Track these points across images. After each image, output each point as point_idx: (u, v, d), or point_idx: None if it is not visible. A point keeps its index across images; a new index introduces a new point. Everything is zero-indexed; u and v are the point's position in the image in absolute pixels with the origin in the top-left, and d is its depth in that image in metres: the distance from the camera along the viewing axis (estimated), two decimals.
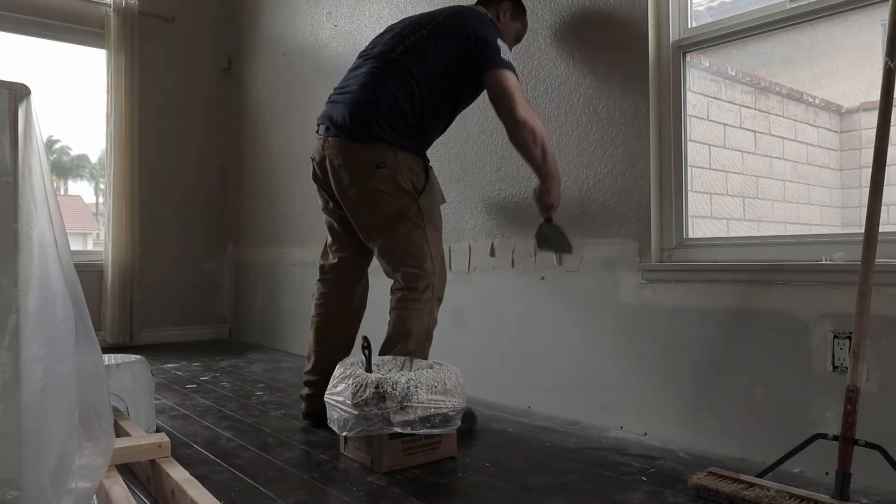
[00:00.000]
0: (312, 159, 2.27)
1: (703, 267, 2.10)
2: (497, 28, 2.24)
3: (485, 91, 2.20)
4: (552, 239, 2.32)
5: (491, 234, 2.79)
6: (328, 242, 2.42)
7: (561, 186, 2.25)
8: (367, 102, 2.11)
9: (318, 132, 2.24)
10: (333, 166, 2.16)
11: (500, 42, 2.14)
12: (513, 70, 2.13)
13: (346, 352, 2.38)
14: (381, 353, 2.19)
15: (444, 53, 2.15)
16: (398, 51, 2.17)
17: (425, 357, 2.23)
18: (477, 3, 2.39)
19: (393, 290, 2.25)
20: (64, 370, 1.20)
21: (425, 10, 3.13)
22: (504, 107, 2.11)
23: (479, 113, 2.85)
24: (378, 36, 2.33)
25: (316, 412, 2.28)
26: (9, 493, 1.08)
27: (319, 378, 2.28)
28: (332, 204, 2.31)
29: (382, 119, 2.09)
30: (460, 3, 2.46)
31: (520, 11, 2.42)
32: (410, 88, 2.12)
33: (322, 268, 2.42)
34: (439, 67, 2.15)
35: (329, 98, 2.27)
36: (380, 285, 3.42)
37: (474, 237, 2.87)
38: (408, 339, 2.18)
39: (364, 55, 2.27)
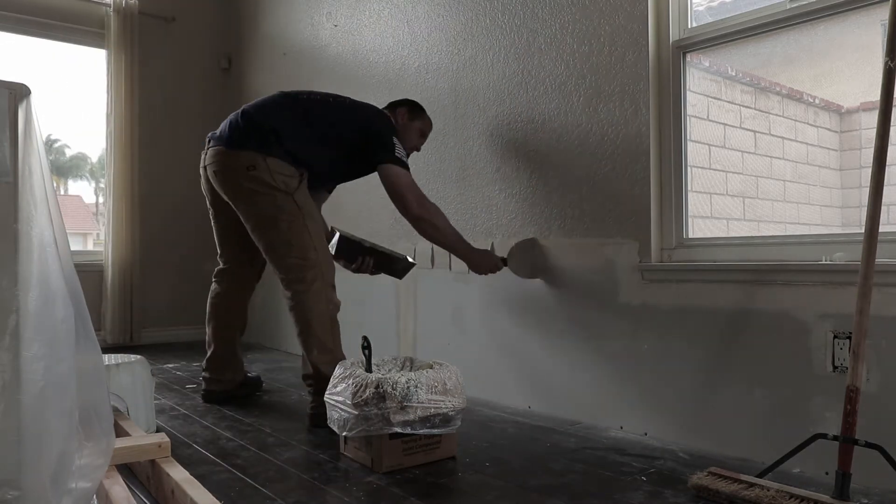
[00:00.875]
0: (201, 170, 2.54)
1: (703, 267, 2.10)
2: (396, 130, 2.50)
3: None
4: (522, 268, 2.60)
5: (491, 234, 2.79)
6: (218, 251, 2.74)
7: (477, 255, 2.53)
8: (246, 120, 2.38)
9: (204, 149, 2.53)
10: (212, 172, 2.42)
11: (395, 140, 2.41)
12: (405, 167, 2.40)
13: (237, 342, 2.78)
14: (304, 350, 2.37)
15: (346, 128, 2.43)
16: (303, 96, 2.49)
17: (336, 343, 2.37)
18: (384, 108, 2.67)
19: (284, 287, 2.37)
20: (64, 370, 1.20)
21: (425, 10, 3.14)
22: (399, 205, 2.40)
23: (478, 113, 2.85)
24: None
25: (215, 394, 2.72)
26: (9, 493, 1.08)
27: (212, 364, 2.73)
28: (212, 212, 2.63)
29: (257, 133, 2.34)
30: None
31: (416, 113, 2.70)
32: (300, 123, 2.39)
33: (215, 272, 2.76)
34: (339, 130, 2.42)
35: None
36: (379, 285, 3.42)
37: (474, 237, 2.87)
38: (310, 330, 2.32)
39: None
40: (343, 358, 2.33)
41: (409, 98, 2.81)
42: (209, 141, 2.47)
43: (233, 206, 2.43)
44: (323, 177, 2.54)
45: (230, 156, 2.36)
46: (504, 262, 2.57)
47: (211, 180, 2.45)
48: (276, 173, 2.31)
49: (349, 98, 2.57)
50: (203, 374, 2.77)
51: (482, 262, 2.53)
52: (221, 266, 2.74)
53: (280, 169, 2.32)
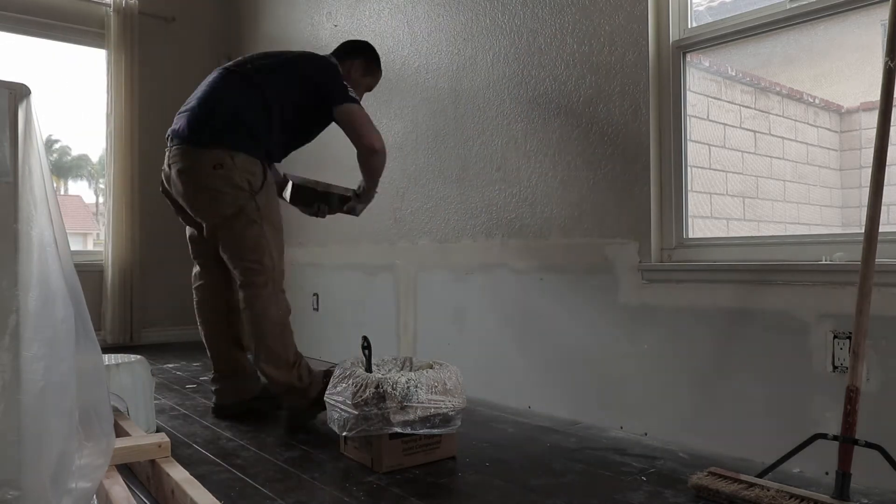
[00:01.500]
0: (162, 172, 2.41)
1: (703, 267, 2.10)
2: (343, 76, 2.42)
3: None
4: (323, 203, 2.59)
5: (490, 234, 2.79)
6: (190, 251, 2.59)
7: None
8: (203, 112, 2.26)
9: (166, 146, 2.37)
10: (176, 171, 2.28)
11: (344, 83, 2.35)
12: (358, 102, 2.36)
13: (238, 348, 2.59)
14: (253, 355, 2.33)
15: (295, 83, 2.35)
16: (245, 67, 2.37)
17: (287, 348, 2.31)
18: (332, 54, 2.54)
19: (238, 287, 2.35)
20: (64, 370, 1.20)
21: (425, 10, 3.14)
22: (357, 139, 2.34)
23: (477, 113, 2.85)
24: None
25: (223, 406, 2.52)
26: (9, 493, 1.08)
27: (218, 375, 2.55)
28: (177, 210, 2.46)
29: (220, 124, 2.24)
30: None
31: (372, 68, 2.61)
32: (254, 99, 2.29)
33: (193, 276, 2.62)
34: (290, 93, 2.34)
35: (177, 113, 2.39)
36: (379, 285, 3.43)
37: (474, 237, 2.87)
38: (263, 337, 2.28)
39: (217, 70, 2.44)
40: (292, 359, 2.30)
41: (367, 45, 2.63)
42: (170, 139, 2.32)
43: (187, 207, 2.33)
44: (284, 151, 2.49)
45: (196, 155, 2.23)
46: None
47: (173, 179, 2.30)
48: (243, 171, 2.23)
49: (287, 53, 2.49)
50: (211, 386, 2.59)
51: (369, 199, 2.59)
52: (197, 268, 2.60)
53: (247, 166, 2.24)
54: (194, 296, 2.62)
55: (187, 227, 2.54)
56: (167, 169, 2.34)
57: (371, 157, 2.37)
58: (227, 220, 2.27)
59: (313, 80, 2.36)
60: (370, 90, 2.68)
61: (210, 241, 2.38)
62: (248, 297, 2.30)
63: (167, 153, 2.35)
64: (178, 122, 2.32)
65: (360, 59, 2.57)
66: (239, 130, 2.25)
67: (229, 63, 2.43)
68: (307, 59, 2.46)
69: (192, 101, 2.34)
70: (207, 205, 2.28)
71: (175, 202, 2.42)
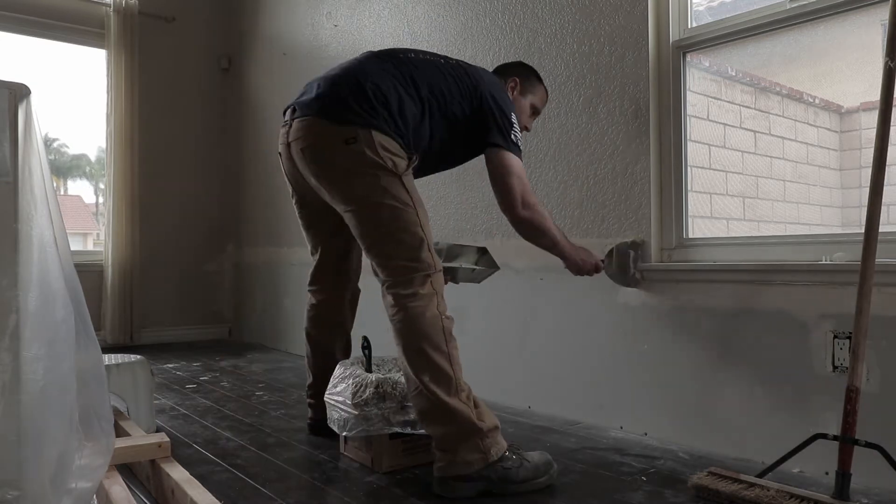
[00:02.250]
0: (279, 153, 2.03)
1: (703, 267, 2.10)
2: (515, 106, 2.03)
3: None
4: (618, 273, 2.26)
5: (491, 233, 2.79)
6: (309, 247, 2.25)
7: (579, 254, 2.09)
8: (344, 82, 1.84)
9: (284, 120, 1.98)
10: (299, 150, 1.87)
11: (514, 118, 1.94)
12: (519, 154, 1.94)
13: (343, 356, 2.27)
14: (407, 380, 1.77)
15: (460, 101, 1.91)
16: (408, 55, 1.95)
17: (456, 364, 1.75)
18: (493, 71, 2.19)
19: (385, 293, 1.84)
20: (64, 370, 1.20)
21: (425, 10, 3.13)
22: (503, 200, 1.95)
23: None
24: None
25: (318, 422, 2.19)
26: (9, 493, 1.08)
27: (317, 387, 2.20)
28: (304, 199, 2.11)
29: (359, 99, 1.79)
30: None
31: (531, 84, 2.19)
32: (407, 99, 1.84)
33: (311, 276, 2.26)
34: (450, 111, 1.90)
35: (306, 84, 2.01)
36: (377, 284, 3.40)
37: (474, 237, 2.86)
38: (420, 350, 1.72)
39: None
40: (461, 383, 1.74)
41: (522, 61, 2.30)
42: (292, 111, 1.92)
43: (320, 192, 1.91)
44: (428, 164, 2.01)
45: (325, 127, 1.81)
46: (601, 263, 2.19)
47: (295, 158, 1.91)
48: (383, 149, 1.76)
49: (456, 60, 2.04)
50: (308, 400, 2.29)
51: (583, 263, 2.10)
52: (315, 264, 2.24)
53: (388, 145, 1.77)
54: (308, 299, 2.27)
55: (301, 219, 2.20)
56: (284, 147, 1.97)
57: (521, 228, 1.99)
58: (369, 206, 1.80)
59: (489, 100, 1.92)
60: (536, 115, 2.26)
61: (355, 235, 1.88)
62: (398, 301, 1.79)
63: (285, 129, 1.94)
64: (305, 92, 1.93)
65: (513, 76, 2.17)
66: (382, 115, 1.79)
67: (382, 50, 2.00)
68: (484, 74, 2.04)
69: (329, 71, 1.95)
70: (342, 187, 1.83)
71: (297, 184, 2.06)
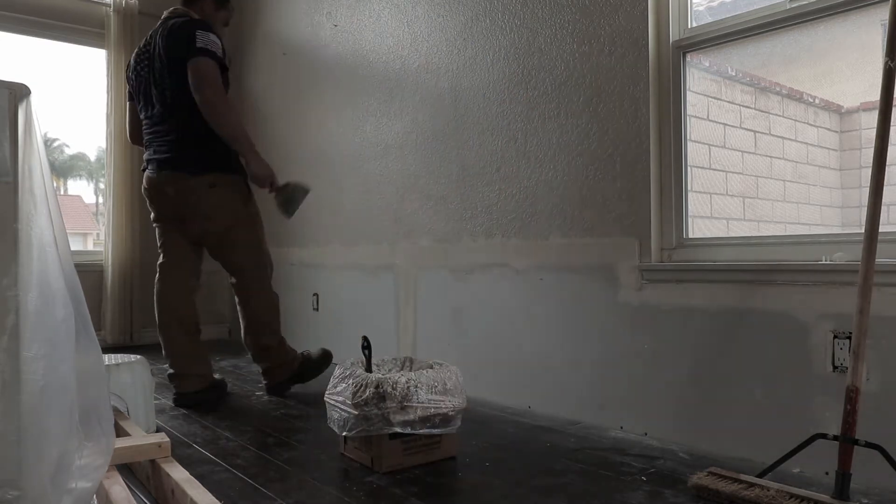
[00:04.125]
0: (145, 189, 2.78)
1: (703, 267, 2.10)
2: (199, 23, 2.61)
3: None
4: (285, 204, 2.76)
5: (490, 234, 2.79)
6: (159, 246, 2.89)
7: (259, 162, 2.66)
8: (173, 139, 2.63)
9: (146, 171, 2.75)
10: (172, 192, 2.66)
11: (198, 33, 2.52)
12: (213, 57, 2.52)
13: (196, 336, 2.82)
14: (249, 334, 2.84)
15: (175, 70, 2.57)
16: (165, 100, 2.63)
17: (278, 326, 2.90)
18: (182, 4, 2.79)
19: (240, 282, 2.87)
20: (64, 370, 1.20)
21: (425, 10, 3.14)
22: (196, 92, 2.50)
23: (477, 113, 2.85)
24: (135, 80, 2.78)
25: (187, 396, 2.72)
26: (9, 493, 1.08)
27: (175, 366, 2.75)
28: (156, 216, 2.83)
29: (196, 153, 2.61)
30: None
31: (222, 2, 2.85)
32: (193, 122, 2.57)
33: (157, 267, 2.90)
34: (182, 84, 2.55)
35: (147, 146, 2.75)
36: (379, 285, 3.42)
37: (474, 237, 2.87)
38: (266, 320, 2.81)
39: (146, 116, 2.73)
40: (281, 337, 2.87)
41: None
42: (151, 163, 2.70)
43: (188, 222, 2.71)
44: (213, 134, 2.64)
45: (188, 179, 2.61)
46: (276, 188, 2.72)
47: (170, 200, 2.69)
48: (231, 183, 2.66)
49: (149, 47, 2.72)
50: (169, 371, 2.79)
51: (260, 172, 2.66)
52: (163, 259, 2.87)
53: (231, 181, 2.65)
54: (156, 287, 2.87)
55: (161, 227, 2.86)
56: (157, 186, 2.72)
57: (205, 109, 2.52)
58: (227, 230, 2.74)
59: (184, 43, 2.54)
60: (227, 24, 2.95)
61: (211, 247, 2.84)
62: (249, 288, 2.84)
63: (152, 175, 2.73)
64: (156, 150, 2.70)
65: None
66: (208, 150, 2.63)
67: (150, 112, 2.72)
68: (173, 28, 2.62)
69: (159, 147, 2.70)
70: (205, 219, 2.71)
71: (160, 209, 2.79)
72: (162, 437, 1.74)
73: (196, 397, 2.69)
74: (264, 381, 2.92)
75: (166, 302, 2.77)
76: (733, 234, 2.29)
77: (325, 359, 2.98)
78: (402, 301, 3.24)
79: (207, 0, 2.78)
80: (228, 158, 2.67)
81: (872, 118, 1.62)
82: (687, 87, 2.27)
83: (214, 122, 2.54)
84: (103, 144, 4.43)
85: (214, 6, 2.80)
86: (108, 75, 4.32)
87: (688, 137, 2.26)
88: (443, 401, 1.89)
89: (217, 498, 1.41)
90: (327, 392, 2.00)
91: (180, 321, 2.74)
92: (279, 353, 2.87)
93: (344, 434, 1.91)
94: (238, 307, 2.88)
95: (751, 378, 1.97)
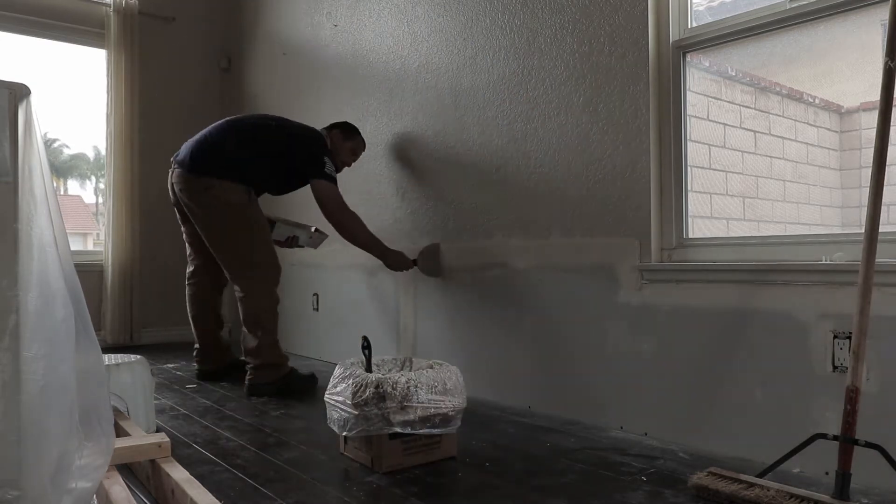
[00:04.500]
0: (170, 185, 3.02)
1: (703, 267, 2.10)
2: (328, 148, 3.03)
3: None
4: (428, 268, 3.04)
5: (490, 234, 2.79)
6: (187, 253, 3.24)
7: (391, 255, 3.01)
8: (204, 148, 2.90)
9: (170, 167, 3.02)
10: (178, 190, 2.94)
11: (325, 159, 2.92)
12: (331, 180, 2.91)
13: (218, 327, 3.35)
14: (242, 330, 2.95)
15: (283, 151, 2.95)
16: (248, 124, 3.01)
17: (275, 328, 2.97)
18: (323, 129, 3.15)
19: (233, 282, 3.01)
20: (64, 370, 1.20)
21: (425, 10, 3.14)
22: (323, 212, 2.93)
23: (477, 112, 2.85)
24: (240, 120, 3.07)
25: (207, 372, 3.29)
26: (9, 493, 1.08)
27: (201, 349, 3.30)
28: (180, 218, 3.12)
29: (213, 160, 2.87)
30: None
31: (349, 134, 3.18)
32: (247, 152, 2.90)
33: (187, 275, 3.26)
34: (279, 156, 2.95)
35: (183, 148, 2.98)
36: (379, 286, 3.42)
37: (474, 237, 2.87)
38: (256, 319, 2.92)
39: (208, 134, 2.97)
40: (277, 337, 2.97)
41: (348, 121, 3.26)
42: (174, 163, 2.96)
43: (192, 219, 2.97)
44: (267, 189, 3.11)
45: (191, 180, 2.87)
46: (414, 262, 3.02)
47: (177, 195, 2.96)
48: (229, 192, 2.85)
49: (289, 122, 3.07)
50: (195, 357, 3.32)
51: (395, 261, 3.00)
52: (192, 267, 3.23)
53: (232, 188, 2.86)
54: (187, 291, 3.27)
55: (186, 231, 3.17)
56: (171, 185, 2.99)
57: (337, 229, 2.97)
58: (221, 231, 2.92)
59: (304, 150, 2.96)
60: (356, 155, 3.23)
61: (210, 247, 3.00)
62: (242, 289, 2.95)
63: (170, 172, 3.00)
64: (183, 151, 2.95)
65: (337, 129, 3.16)
66: (226, 167, 2.87)
67: (236, 117, 3.07)
68: (304, 133, 3.04)
69: (198, 136, 2.96)
70: (204, 219, 2.93)
71: (180, 210, 3.07)
72: (162, 437, 1.74)
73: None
74: (247, 378, 2.92)
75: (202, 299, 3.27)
76: (733, 234, 2.30)
77: (310, 380, 3.01)
78: (402, 301, 3.24)
79: (336, 131, 3.15)
80: (237, 171, 2.89)
81: (872, 118, 1.62)
82: (687, 87, 2.27)
83: (348, 238, 2.98)
84: (103, 144, 4.43)
85: (342, 137, 3.14)
86: (108, 75, 4.33)
87: (688, 137, 2.26)
88: (443, 401, 1.89)
89: (217, 498, 1.41)
90: (327, 392, 2.00)
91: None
92: (269, 354, 2.90)
93: (344, 434, 1.91)
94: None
95: (751, 378, 1.97)
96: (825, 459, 1.69)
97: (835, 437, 1.54)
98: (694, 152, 2.30)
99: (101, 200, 4.95)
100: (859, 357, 1.52)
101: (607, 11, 2.36)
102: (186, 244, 3.21)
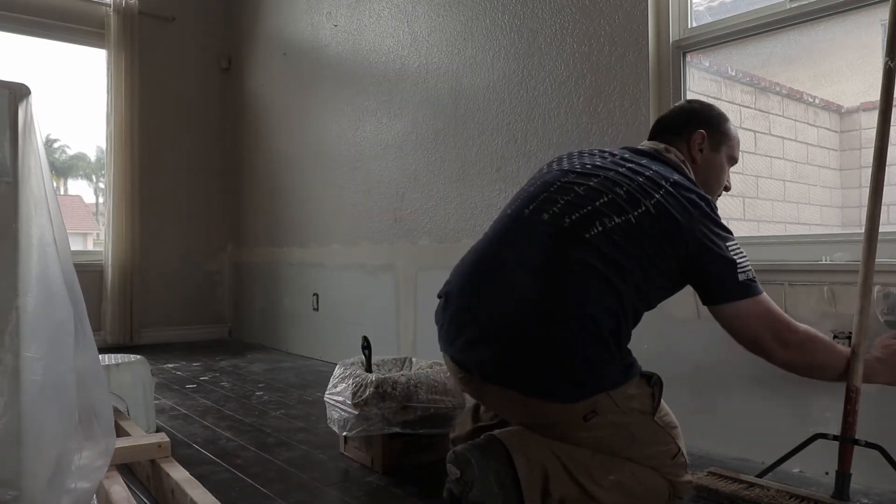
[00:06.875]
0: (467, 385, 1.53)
1: None
2: (713, 207, 1.51)
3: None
4: None
5: None
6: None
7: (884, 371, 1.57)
8: (546, 336, 1.36)
9: (451, 362, 1.54)
10: (507, 415, 1.56)
11: (729, 245, 1.46)
12: (752, 292, 1.47)
13: None
14: None
15: (659, 248, 1.45)
16: (594, 231, 1.42)
17: None
18: (653, 137, 1.71)
19: None
20: (63, 370, 1.20)
21: (425, 10, 3.13)
22: (759, 352, 1.56)
23: (477, 113, 2.85)
24: (553, 173, 1.64)
25: None
26: (8, 493, 1.08)
27: None
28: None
29: (576, 360, 1.37)
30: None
31: (720, 134, 1.67)
32: (609, 295, 1.42)
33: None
34: (652, 267, 1.47)
35: (455, 285, 1.66)
36: (379, 286, 3.41)
37: (474, 237, 2.86)
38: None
39: (518, 215, 1.57)
40: None
41: (687, 99, 2.01)
42: (472, 368, 1.46)
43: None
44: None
45: (553, 410, 1.40)
46: None
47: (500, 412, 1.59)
48: (629, 399, 1.44)
49: (642, 172, 1.51)
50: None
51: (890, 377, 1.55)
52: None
53: (630, 391, 1.45)
54: None
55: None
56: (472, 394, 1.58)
57: (791, 370, 1.56)
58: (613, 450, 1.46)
59: (700, 235, 1.43)
60: (734, 161, 1.75)
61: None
62: None
63: (463, 381, 1.52)
64: (479, 336, 1.46)
65: (698, 129, 1.65)
66: (603, 358, 1.42)
67: (549, 215, 1.49)
68: (682, 186, 1.48)
69: (497, 292, 1.53)
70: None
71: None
72: (162, 437, 1.74)
73: None
74: None
75: None
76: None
77: None
78: (402, 301, 3.24)
79: (697, 133, 1.64)
80: None
81: (872, 118, 1.62)
82: (687, 87, 2.26)
83: (812, 377, 1.60)
84: (103, 144, 4.43)
85: (710, 145, 1.66)
86: (108, 75, 4.32)
87: None
88: (443, 401, 1.89)
89: (217, 498, 1.41)
90: (327, 392, 2.00)
91: None
92: None
93: (344, 434, 1.91)
94: None
95: (751, 378, 1.96)
96: (825, 459, 1.68)
97: (835, 437, 1.54)
98: None
99: (101, 200, 4.95)
100: (859, 357, 1.52)
101: (607, 11, 2.36)
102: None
